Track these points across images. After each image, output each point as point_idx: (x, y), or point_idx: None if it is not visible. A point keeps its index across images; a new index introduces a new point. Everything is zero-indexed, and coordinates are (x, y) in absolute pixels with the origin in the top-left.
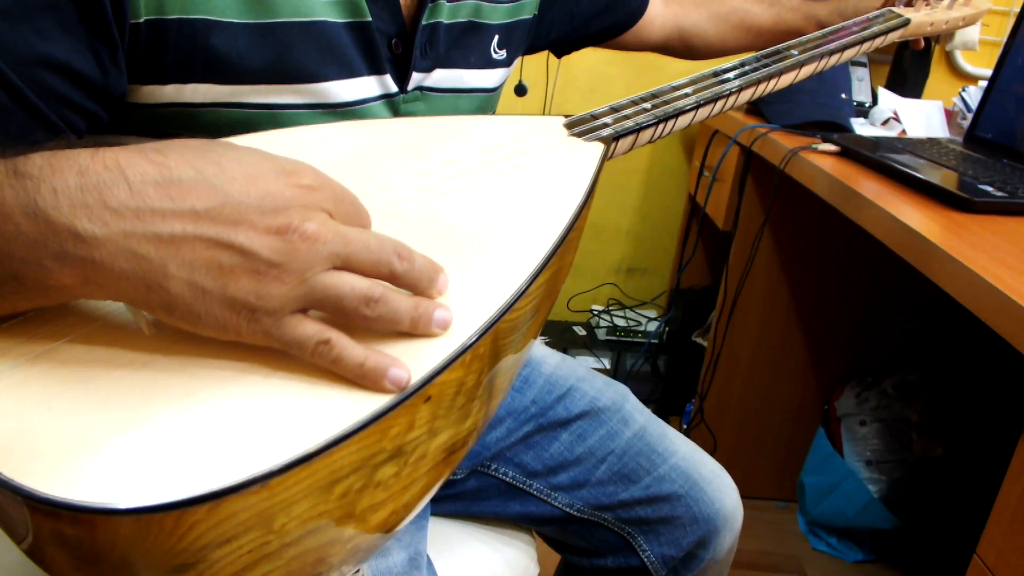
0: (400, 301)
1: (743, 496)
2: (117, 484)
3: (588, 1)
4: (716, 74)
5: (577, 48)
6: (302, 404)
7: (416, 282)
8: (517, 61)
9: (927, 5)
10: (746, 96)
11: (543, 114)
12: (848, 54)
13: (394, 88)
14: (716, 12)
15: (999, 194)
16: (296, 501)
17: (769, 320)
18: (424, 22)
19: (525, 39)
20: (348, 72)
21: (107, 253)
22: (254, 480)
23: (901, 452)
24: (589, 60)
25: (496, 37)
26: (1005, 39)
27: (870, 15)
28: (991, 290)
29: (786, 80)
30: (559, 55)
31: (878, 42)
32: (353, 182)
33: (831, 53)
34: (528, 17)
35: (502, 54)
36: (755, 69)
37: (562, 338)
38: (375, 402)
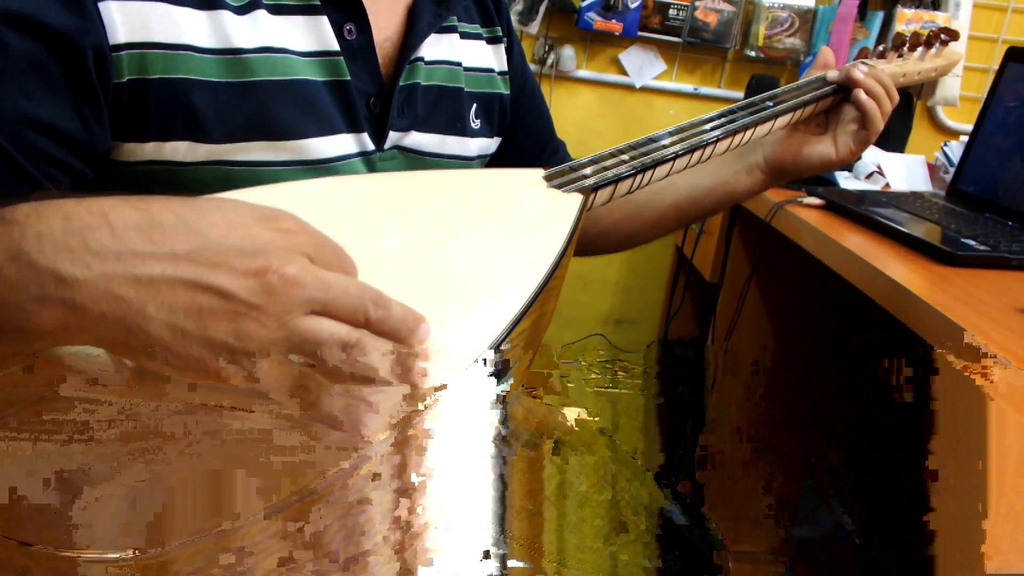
0: (378, 348)
1: (732, 549)
2: None
3: (532, 113)
4: (694, 125)
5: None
6: None
7: (395, 331)
8: None
9: (899, 57)
10: (723, 147)
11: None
12: (822, 105)
13: (371, 146)
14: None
15: (982, 248)
16: None
17: (757, 371)
18: (402, 83)
19: (502, 116)
20: (327, 129)
21: (88, 295)
22: None
23: None
24: (576, 114)
25: (474, 106)
26: (985, 95)
27: (847, 67)
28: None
29: (762, 131)
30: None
31: None
32: (337, 234)
33: (806, 104)
34: (503, 92)
35: (478, 123)
36: (732, 120)
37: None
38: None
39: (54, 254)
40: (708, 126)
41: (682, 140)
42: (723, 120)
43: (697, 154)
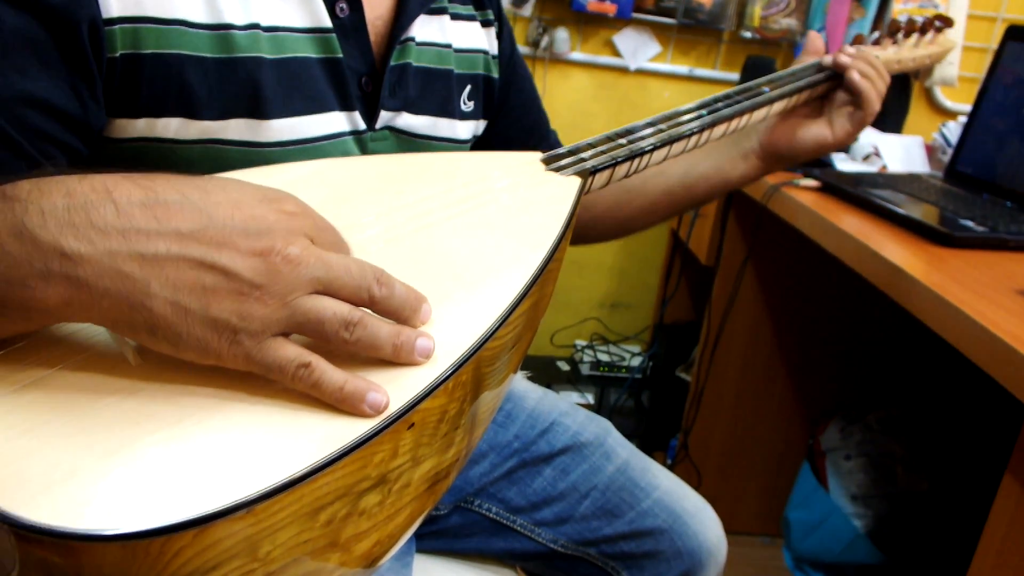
0: (380, 327)
1: (728, 532)
2: (103, 510)
3: (520, 97)
4: (691, 110)
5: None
6: (287, 430)
7: (398, 310)
8: None
9: (893, 44)
10: (719, 132)
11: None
12: (817, 91)
13: (363, 125)
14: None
15: (980, 229)
16: (281, 528)
17: (753, 355)
18: (393, 62)
19: (492, 98)
20: (318, 107)
21: (91, 271)
22: (239, 505)
23: (886, 486)
24: (571, 97)
25: (468, 88)
26: (984, 75)
27: (838, 52)
28: (972, 324)
29: (759, 116)
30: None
31: None
32: (335, 217)
33: (801, 90)
34: (494, 76)
35: (471, 106)
36: (728, 106)
37: (546, 373)
38: (359, 428)
39: (58, 230)
40: (706, 110)
41: (679, 124)
42: (718, 105)
43: (695, 139)
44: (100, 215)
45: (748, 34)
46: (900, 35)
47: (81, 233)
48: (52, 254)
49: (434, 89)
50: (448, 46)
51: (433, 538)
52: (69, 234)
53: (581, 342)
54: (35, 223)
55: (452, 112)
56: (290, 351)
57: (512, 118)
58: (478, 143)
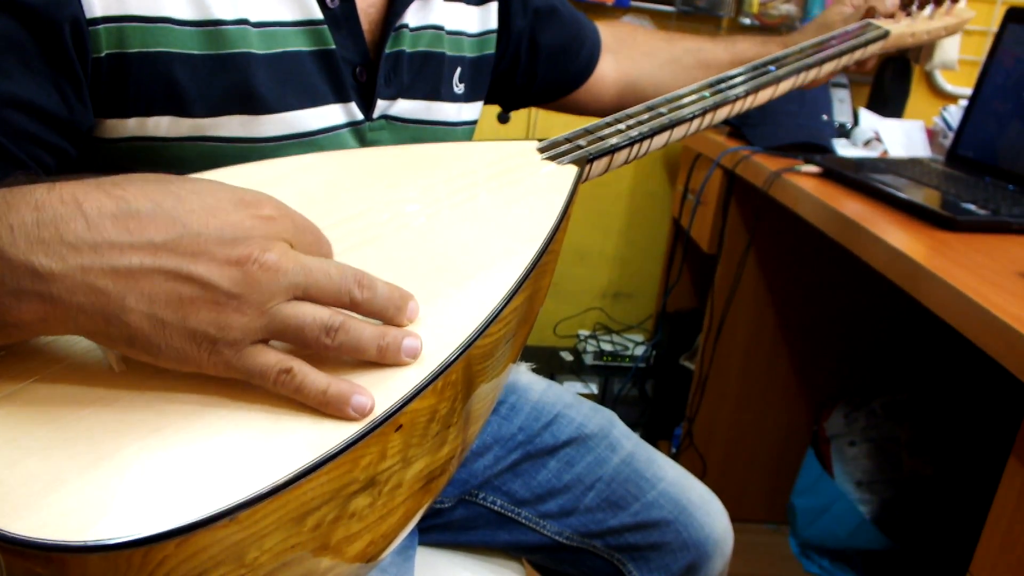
0: (363, 330)
1: (734, 519)
2: (86, 521)
3: (550, 35)
4: (691, 92)
5: (526, 100)
6: (271, 435)
7: (382, 310)
8: None
9: (907, 16)
10: (722, 114)
11: (526, 139)
12: (827, 68)
13: (360, 116)
14: (668, 57)
15: (982, 212)
16: (267, 534)
17: (756, 342)
18: (387, 51)
19: (488, 77)
20: (313, 100)
21: (65, 288)
22: (222, 514)
23: (891, 472)
24: None
25: (458, 70)
26: (984, 58)
27: (849, 28)
28: (976, 308)
29: (763, 97)
30: (506, 108)
31: (858, 55)
32: (325, 212)
33: (809, 67)
34: (491, 52)
35: (461, 88)
36: (732, 87)
37: (549, 364)
38: (344, 432)
39: (27, 247)
40: (707, 92)
41: (679, 108)
42: (721, 87)
43: (696, 122)
44: (71, 229)
45: (747, 20)
46: (914, 7)
47: (52, 249)
48: (23, 272)
49: (427, 73)
50: (440, 28)
51: (438, 531)
52: (39, 251)
53: (584, 332)
54: (4, 240)
55: (445, 95)
56: (270, 357)
57: (550, 53)
58: (525, 92)
